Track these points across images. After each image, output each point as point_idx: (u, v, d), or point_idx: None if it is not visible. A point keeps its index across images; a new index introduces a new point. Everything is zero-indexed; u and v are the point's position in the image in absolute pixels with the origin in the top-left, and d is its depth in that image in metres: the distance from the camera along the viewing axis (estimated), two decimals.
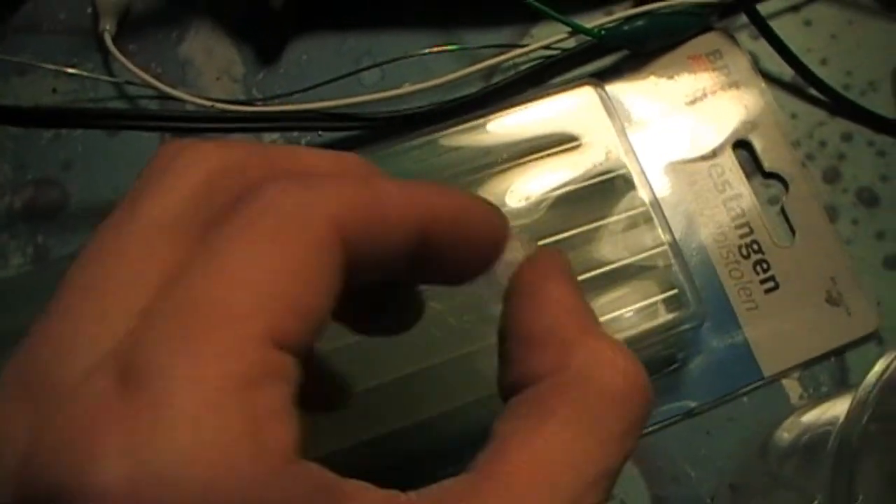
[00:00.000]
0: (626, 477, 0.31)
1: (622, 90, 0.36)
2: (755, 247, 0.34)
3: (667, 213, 0.32)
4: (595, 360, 0.17)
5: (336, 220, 0.16)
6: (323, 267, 0.16)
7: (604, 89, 0.34)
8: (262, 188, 0.16)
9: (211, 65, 0.37)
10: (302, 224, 0.16)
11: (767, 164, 0.35)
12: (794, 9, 0.39)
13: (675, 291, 0.30)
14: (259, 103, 0.36)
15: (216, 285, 0.15)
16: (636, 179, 0.32)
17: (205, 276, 0.15)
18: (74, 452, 0.13)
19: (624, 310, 0.30)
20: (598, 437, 0.17)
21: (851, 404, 0.21)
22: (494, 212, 0.20)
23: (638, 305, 0.30)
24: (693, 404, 0.32)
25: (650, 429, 0.32)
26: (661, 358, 0.32)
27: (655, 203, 0.32)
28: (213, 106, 0.34)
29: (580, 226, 0.31)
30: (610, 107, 0.33)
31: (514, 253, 0.20)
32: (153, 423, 0.13)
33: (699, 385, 0.32)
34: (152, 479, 0.13)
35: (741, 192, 0.35)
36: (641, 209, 0.31)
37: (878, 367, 0.21)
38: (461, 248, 0.19)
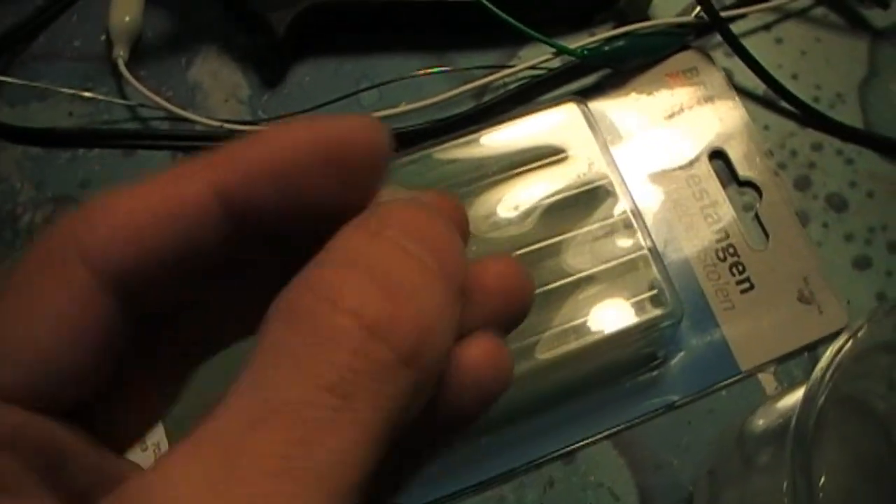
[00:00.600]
0: (612, 466, 0.34)
1: (605, 106, 0.39)
2: (731, 250, 0.36)
3: (647, 221, 0.35)
4: (309, 295, 0.14)
5: (80, 245, 0.16)
6: (55, 297, 0.16)
7: (586, 106, 0.36)
8: None
9: (218, 88, 0.40)
10: (44, 254, 0.16)
11: (742, 173, 0.38)
12: (766, 28, 0.41)
13: (654, 292, 0.33)
14: (264, 123, 0.38)
15: None
16: (617, 189, 0.34)
17: None
18: None
19: (606, 309, 0.32)
20: (287, 382, 0.13)
21: (806, 388, 0.23)
22: (341, 133, 0.16)
23: (619, 305, 0.32)
24: (675, 398, 0.34)
25: (635, 422, 0.34)
26: (644, 356, 0.34)
27: (636, 210, 0.34)
28: (222, 126, 0.37)
29: (565, 233, 0.33)
30: (592, 122, 0.36)
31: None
32: None
33: (680, 380, 0.35)
34: None
35: (717, 199, 0.37)
36: (622, 216, 0.34)
37: (831, 351, 0.23)
38: (296, 195, 0.16)
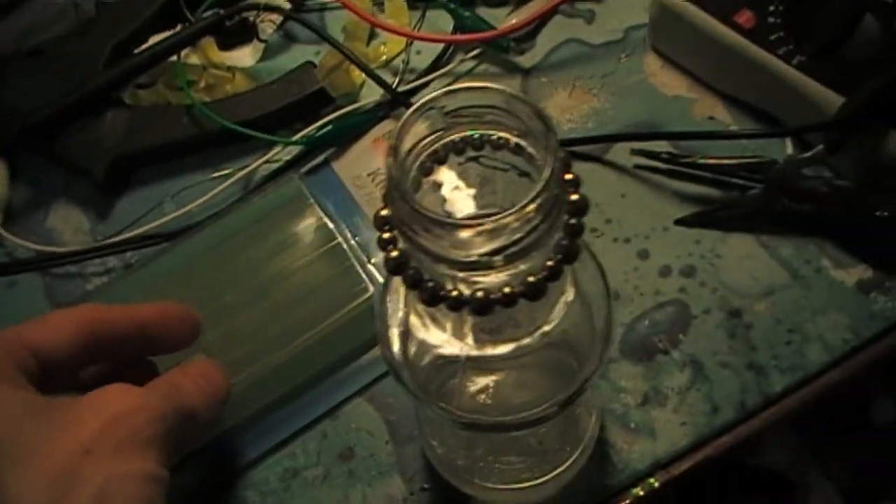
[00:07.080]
0: (365, 414, 0.48)
1: (335, 173, 0.54)
2: None
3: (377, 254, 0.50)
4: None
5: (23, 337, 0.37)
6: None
7: (304, 180, 0.52)
8: None
9: (68, 227, 0.56)
10: None
11: None
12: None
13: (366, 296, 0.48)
14: (101, 240, 0.55)
15: None
16: (339, 237, 0.50)
17: None
18: None
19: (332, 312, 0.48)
20: None
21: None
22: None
23: (340, 306, 0.48)
24: None
25: (377, 380, 0.49)
26: (371, 335, 0.50)
27: (353, 251, 0.50)
28: (73, 251, 0.53)
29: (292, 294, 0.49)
30: (313, 192, 0.51)
31: None
32: None
33: None
34: None
35: None
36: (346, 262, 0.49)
37: None
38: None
